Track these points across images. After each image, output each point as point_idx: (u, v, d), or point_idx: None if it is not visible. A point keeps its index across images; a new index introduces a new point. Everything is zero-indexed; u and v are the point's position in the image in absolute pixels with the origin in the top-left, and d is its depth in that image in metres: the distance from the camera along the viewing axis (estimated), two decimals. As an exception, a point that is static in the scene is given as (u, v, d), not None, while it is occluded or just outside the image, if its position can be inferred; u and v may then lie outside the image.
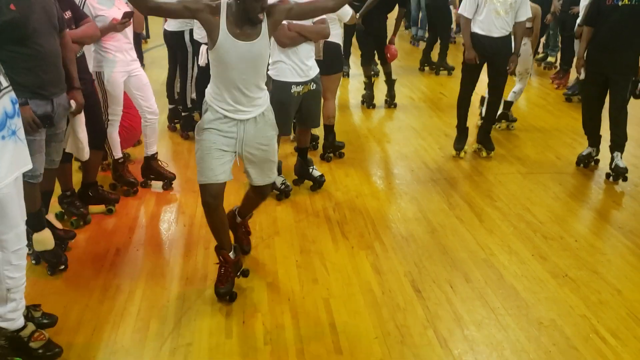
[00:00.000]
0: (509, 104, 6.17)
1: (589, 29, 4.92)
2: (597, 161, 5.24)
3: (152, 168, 4.56)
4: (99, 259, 3.55)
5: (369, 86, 6.89)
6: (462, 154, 5.37)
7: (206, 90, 3.05)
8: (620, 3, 4.65)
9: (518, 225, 4.11)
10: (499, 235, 3.97)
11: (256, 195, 3.41)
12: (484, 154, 5.37)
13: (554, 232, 4.04)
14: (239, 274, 3.29)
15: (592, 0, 5.05)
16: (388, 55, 6.58)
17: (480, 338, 2.95)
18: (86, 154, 3.71)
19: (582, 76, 5.16)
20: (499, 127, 6.18)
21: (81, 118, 3.53)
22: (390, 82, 6.85)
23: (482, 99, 6.09)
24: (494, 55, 4.99)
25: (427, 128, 6.18)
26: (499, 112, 6.14)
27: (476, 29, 4.98)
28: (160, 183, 4.57)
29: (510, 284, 3.41)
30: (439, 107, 6.89)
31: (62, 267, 3.39)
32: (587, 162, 5.20)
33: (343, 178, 4.86)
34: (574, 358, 2.83)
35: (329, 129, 5.16)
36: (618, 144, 4.90)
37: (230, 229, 3.39)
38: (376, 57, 6.80)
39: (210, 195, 3.02)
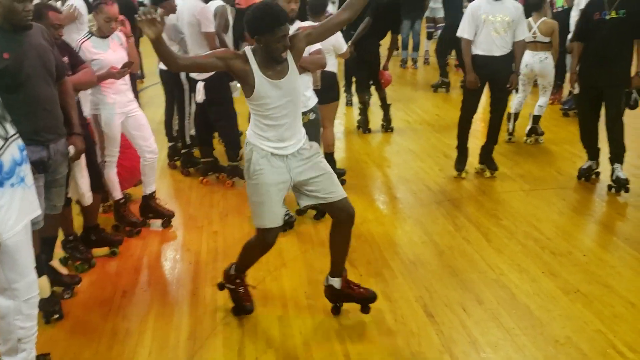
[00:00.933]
0: (537, 118, 6.29)
1: (579, 44, 4.99)
2: (598, 174, 5.25)
3: (150, 207, 4.55)
4: (106, 303, 3.51)
5: (363, 111, 6.94)
6: (464, 174, 5.36)
7: (247, 131, 3.07)
8: (607, 17, 4.72)
9: (526, 243, 4.09)
10: (507, 254, 3.95)
11: (339, 220, 3.17)
12: (488, 174, 5.36)
13: (561, 247, 4.02)
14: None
15: (581, 15, 5.14)
16: (382, 81, 6.65)
17: (497, 360, 2.91)
18: (88, 199, 3.69)
19: (576, 90, 5.21)
20: (529, 141, 6.28)
21: (81, 163, 3.51)
22: (385, 107, 6.90)
23: (509, 115, 6.15)
24: (496, 74, 5.03)
25: (425, 150, 6.20)
26: (529, 127, 6.27)
27: (477, 50, 5.02)
28: (159, 221, 4.56)
29: (523, 303, 3.38)
30: (435, 129, 6.93)
31: (57, 316, 3.30)
32: (588, 176, 5.21)
33: (346, 205, 4.83)
34: (594, 375, 2.80)
35: (329, 157, 5.15)
36: (617, 155, 4.92)
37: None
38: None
39: (276, 235, 3.16)
